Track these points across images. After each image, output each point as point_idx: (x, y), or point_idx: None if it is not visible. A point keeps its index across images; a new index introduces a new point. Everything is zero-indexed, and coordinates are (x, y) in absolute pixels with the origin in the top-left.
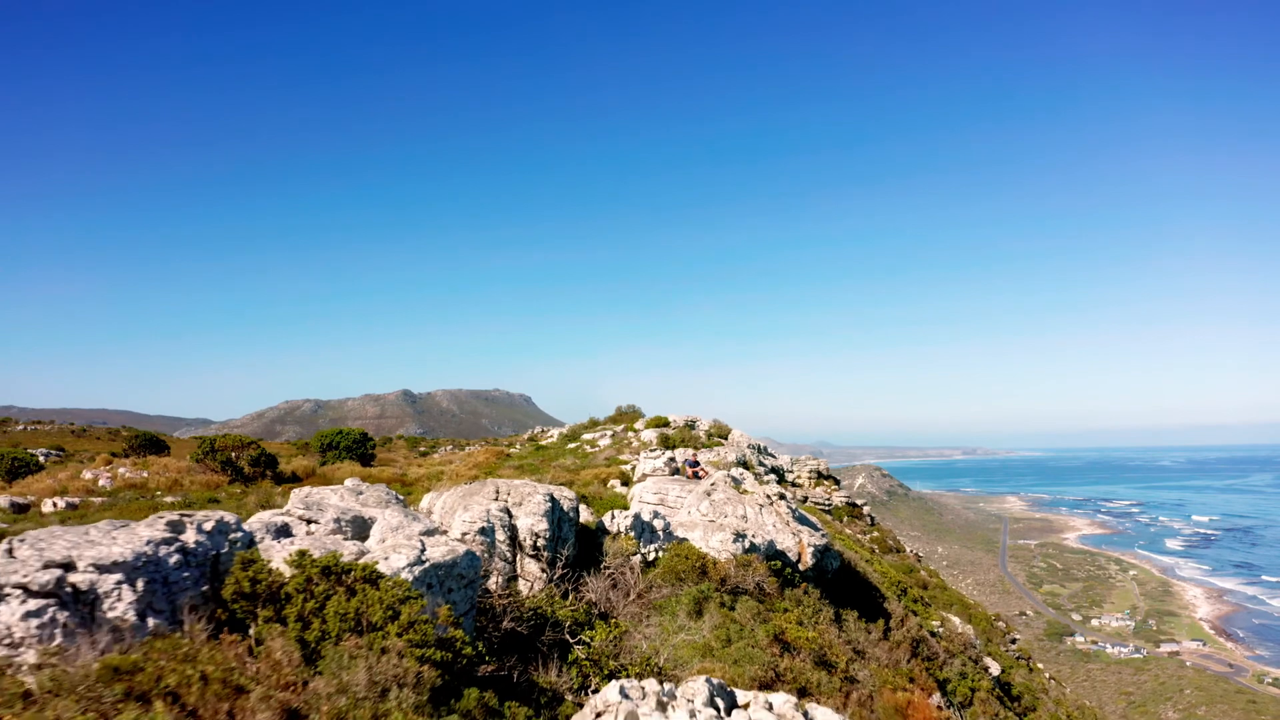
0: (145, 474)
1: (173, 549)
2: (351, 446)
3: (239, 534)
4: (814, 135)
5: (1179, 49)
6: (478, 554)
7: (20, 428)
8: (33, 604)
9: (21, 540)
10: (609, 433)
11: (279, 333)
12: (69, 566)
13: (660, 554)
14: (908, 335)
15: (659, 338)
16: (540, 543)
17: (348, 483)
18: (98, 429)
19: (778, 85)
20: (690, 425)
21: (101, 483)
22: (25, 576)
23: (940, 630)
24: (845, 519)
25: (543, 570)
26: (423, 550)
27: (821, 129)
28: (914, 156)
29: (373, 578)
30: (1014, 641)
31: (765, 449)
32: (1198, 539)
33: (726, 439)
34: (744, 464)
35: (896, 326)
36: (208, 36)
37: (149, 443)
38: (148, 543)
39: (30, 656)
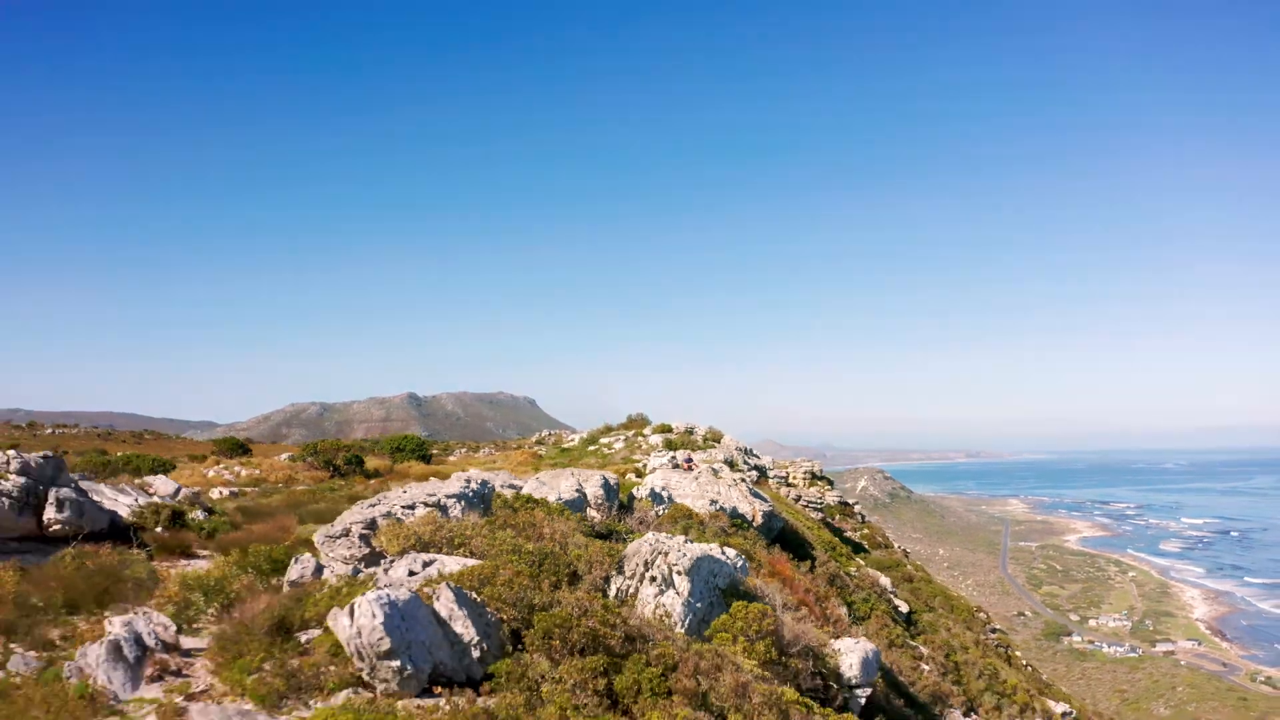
0: (259, 470)
1: (469, 489)
2: (415, 449)
3: (490, 486)
4: (816, 135)
5: (1179, 49)
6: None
7: (49, 431)
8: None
9: (407, 489)
10: (622, 437)
11: (278, 334)
12: (438, 495)
13: (664, 511)
14: (910, 338)
15: (663, 339)
16: (600, 501)
17: (472, 471)
18: (121, 432)
19: (774, 86)
20: (689, 431)
21: (227, 477)
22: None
23: (855, 573)
24: (838, 516)
25: (603, 516)
26: (560, 495)
27: (822, 129)
28: (915, 156)
29: (546, 503)
30: (994, 631)
31: (751, 450)
32: (1196, 541)
33: (719, 442)
34: (730, 463)
35: (899, 329)
36: (211, 29)
37: (236, 446)
38: (460, 487)
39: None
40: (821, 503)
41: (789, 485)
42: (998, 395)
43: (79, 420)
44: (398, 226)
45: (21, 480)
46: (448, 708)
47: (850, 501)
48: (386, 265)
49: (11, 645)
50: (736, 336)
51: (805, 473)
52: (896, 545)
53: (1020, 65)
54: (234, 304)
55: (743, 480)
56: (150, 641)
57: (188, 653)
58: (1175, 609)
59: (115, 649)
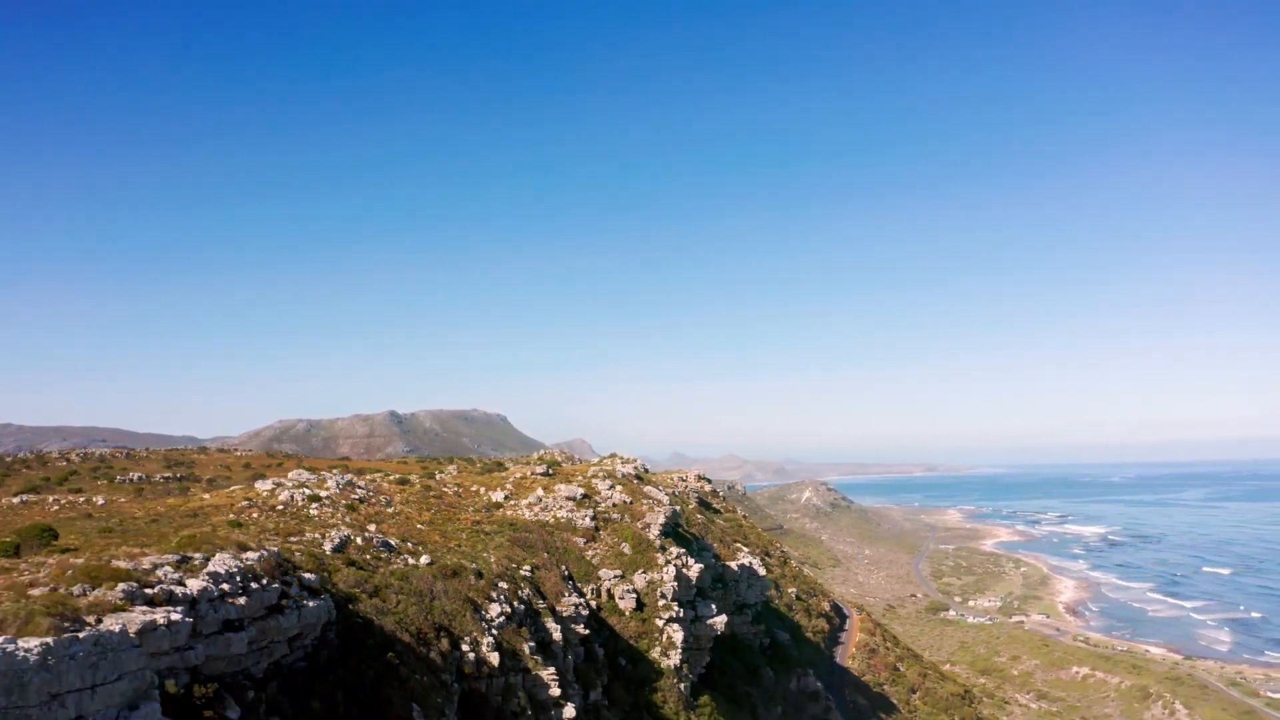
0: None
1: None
2: (552, 463)
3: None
4: (804, 144)
5: (1179, 49)
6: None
7: (120, 452)
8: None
9: (610, 467)
10: (607, 462)
11: (254, 346)
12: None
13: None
14: (879, 351)
15: (630, 353)
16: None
17: (596, 468)
18: (156, 451)
19: (735, 111)
20: (626, 457)
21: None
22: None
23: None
24: (710, 498)
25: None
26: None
27: (781, 151)
28: (899, 163)
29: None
30: (789, 554)
31: (645, 464)
32: (1099, 544)
33: (635, 460)
34: (635, 467)
35: (866, 346)
36: (202, 39)
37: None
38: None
39: None
40: (700, 490)
41: (683, 480)
42: (967, 411)
43: (66, 435)
44: (378, 234)
45: None
46: None
47: (719, 491)
48: (366, 275)
49: None
50: (703, 352)
51: (696, 475)
52: (739, 511)
53: (988, 74)
54: (213, 320)
55: (634, 471)
56: None
57: None
58: (1045, 594)
59: None
